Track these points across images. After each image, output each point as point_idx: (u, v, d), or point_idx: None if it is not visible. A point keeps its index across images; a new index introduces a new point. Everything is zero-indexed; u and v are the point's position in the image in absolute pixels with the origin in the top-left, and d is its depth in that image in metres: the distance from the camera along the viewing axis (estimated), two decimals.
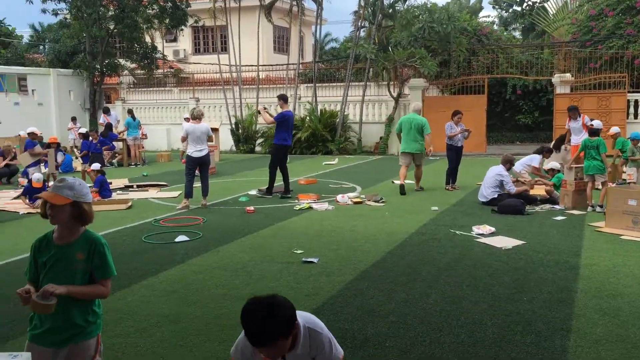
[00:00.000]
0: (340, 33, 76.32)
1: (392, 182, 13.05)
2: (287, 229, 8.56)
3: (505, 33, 31.57)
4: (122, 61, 25.02)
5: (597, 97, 18.28)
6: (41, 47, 35.47)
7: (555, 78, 19.29)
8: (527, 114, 23.36)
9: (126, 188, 13.00)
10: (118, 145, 18.60)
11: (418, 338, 4.55)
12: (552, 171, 11.12)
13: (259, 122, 21.11)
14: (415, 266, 6.51)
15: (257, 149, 21.67)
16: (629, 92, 18.37)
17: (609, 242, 7.51)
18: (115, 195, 11.83)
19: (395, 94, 20.26)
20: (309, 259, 6.77)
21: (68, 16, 24.40)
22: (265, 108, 12.12)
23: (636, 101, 18.16)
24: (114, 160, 18.26)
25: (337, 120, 20.56)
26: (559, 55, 22.61)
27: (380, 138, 20.44)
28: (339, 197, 10.82)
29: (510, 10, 37.09)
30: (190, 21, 24.43)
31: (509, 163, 10.46)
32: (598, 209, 9.48)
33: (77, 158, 17.59)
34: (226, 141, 21.60)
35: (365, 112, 20.91)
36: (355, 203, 10.58)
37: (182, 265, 6.71)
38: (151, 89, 25.59)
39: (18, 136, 17.58)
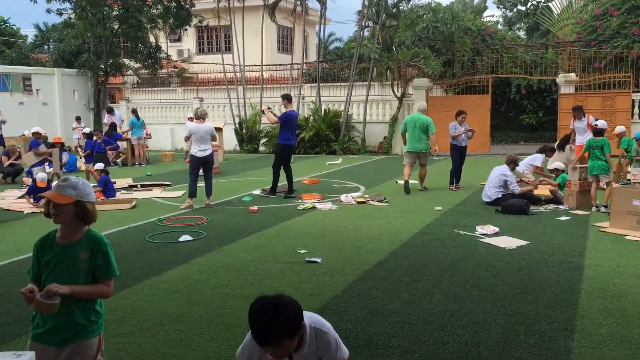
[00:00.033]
0: (344, 33, 76.54)
1: (396, 182, 13.05)
2: (290, 229, 8.57)
3: (509, 33, 31.53)
4: (126, 61, 25.04)
5: (601, 97, 18.21)
6: (45, 47, 35.54)
7: (560, 78, 19.21)
8: (531, 114, 23.31)
9: (130, 188, 13.04)
10: (122, 144, 18.63)
11: (421, 338, 4.54)
12: (557, 171, 11.08)
13: (263, 121, 21.14)
14: (419, 266, 6.51)
15: (261, 148, 21.69)
16: (633, 92, 18.27)
17: (613, 243, 7.49)
18: (119, 195, 11.87)
19: (399, 94, 20.22)
20: (313, 259, 6.77)
21: (72, 16, 24.42)
22: (269, 108, 12.14)
23: None
24: (118, 160, 18.30)
25: (341, 120, 20.54)
26: (563, 55, 22.52)
27: (384, 138, 20.42)
28: (343, 197, 10.81)
29: (515, 9, 37.03)
30: (194, 21, 24.42)
31: (513, 163, 10.42)
32: (602, 209, 9.44)
33: (81, 158, 17.63)
34: (230, 141, 21.62)
35: (369, 112, 20.91)
36: (359, 203, 10.57)
37: (186, 265, 6.72)
38: (155, 88, 25.62)
39: (22, 136, 17.60)
